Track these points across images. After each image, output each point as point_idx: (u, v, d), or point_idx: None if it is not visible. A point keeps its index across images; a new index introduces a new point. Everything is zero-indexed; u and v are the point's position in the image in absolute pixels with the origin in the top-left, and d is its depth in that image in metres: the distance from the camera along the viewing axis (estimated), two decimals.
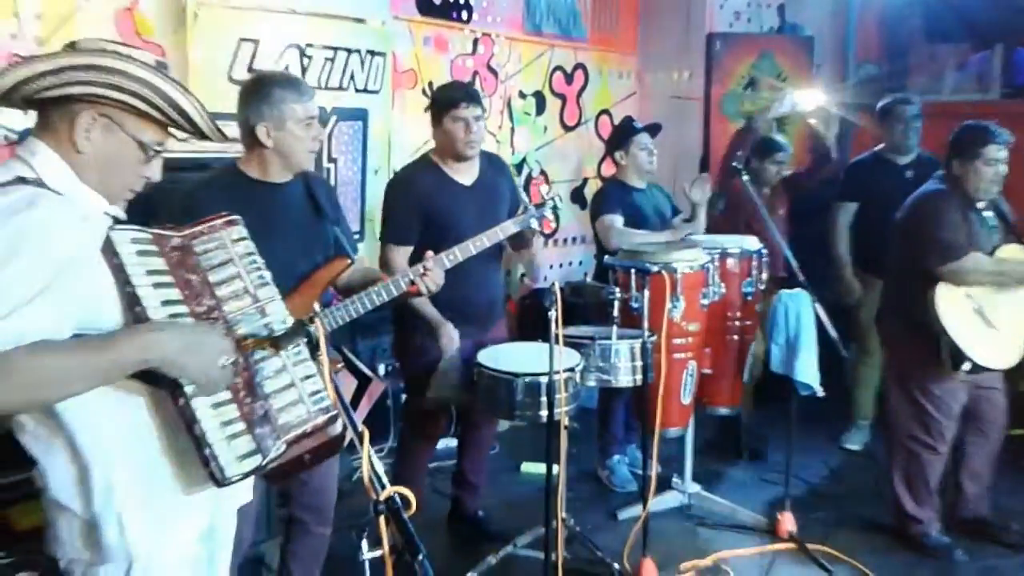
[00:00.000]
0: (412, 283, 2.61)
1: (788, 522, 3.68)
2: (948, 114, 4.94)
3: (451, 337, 3.27)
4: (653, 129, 4.26)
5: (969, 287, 3.43)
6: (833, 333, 3.63)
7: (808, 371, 3.57)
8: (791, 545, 3.62)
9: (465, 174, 3.42)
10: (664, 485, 4.03)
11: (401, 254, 3.29)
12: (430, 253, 2.71)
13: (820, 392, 3.61)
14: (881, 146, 4.65)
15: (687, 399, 3.65)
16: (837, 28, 6.74)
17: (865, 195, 4.59)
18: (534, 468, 4.42)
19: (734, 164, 4.12)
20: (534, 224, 3.14)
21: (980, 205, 3.51)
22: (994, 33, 6.03)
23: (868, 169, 4.65)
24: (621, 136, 4.24)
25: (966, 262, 3.39)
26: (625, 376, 3.34)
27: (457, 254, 2.86)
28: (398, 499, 1.55)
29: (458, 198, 3.36)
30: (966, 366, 3.38)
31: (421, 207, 3.30)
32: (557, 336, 2.82)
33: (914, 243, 3.50)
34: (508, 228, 3.08)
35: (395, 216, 3.37)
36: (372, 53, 4.37)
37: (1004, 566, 3.56)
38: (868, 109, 4.86)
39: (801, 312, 3.58)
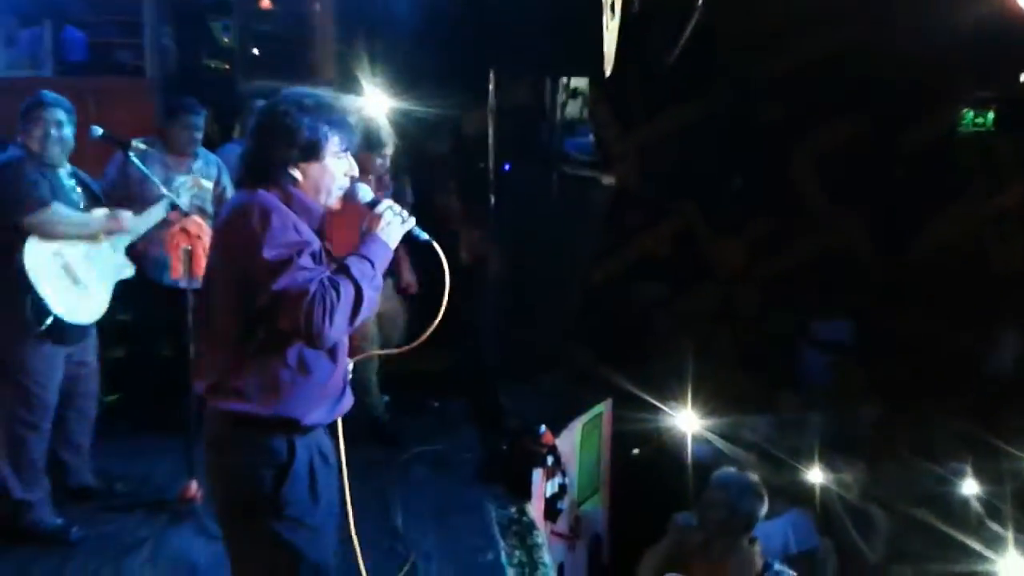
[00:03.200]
0: None
1: None
2: (5, 90, 4.88)
3: None
4: None
5: (60, 244, 3.49)
6: None
7: None
8: None
9: None
10: None
11: None
12: None
13: None
14: None
15: None
16: None
17: None
18: None
19: None
20: None
21: (62, 173, 3.62)
22: (42, 10, 6.08)
23: None
24: None
25: (51, 212, 3.46)
26: None
27: None
28: None
29: None
30: (48, 321, 3.45)
31: None
32: None
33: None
34: None
35: None
36: None
37: (125, 529, 3.74)
38: None
39: None
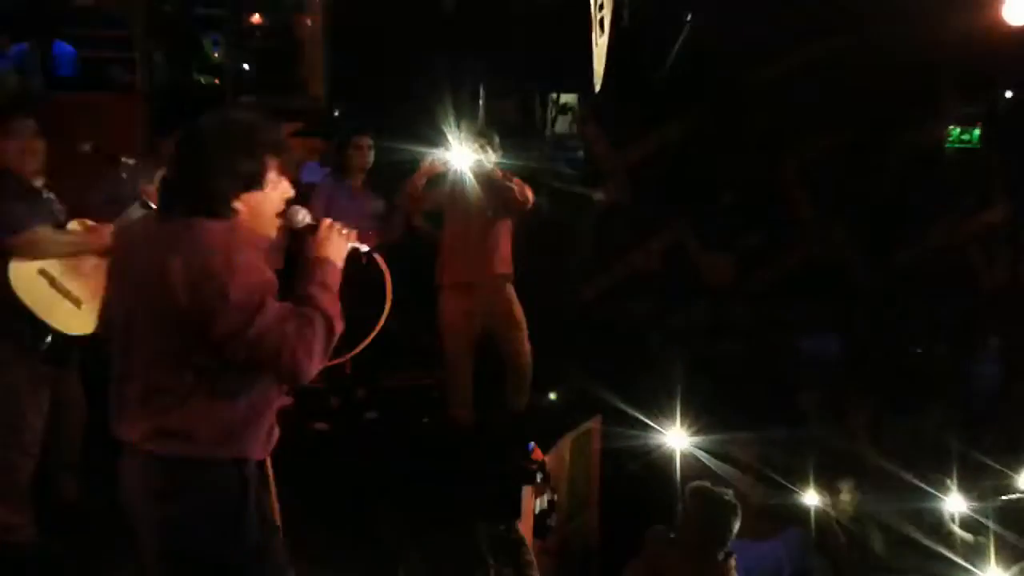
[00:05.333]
0: None
1: None
2: None
3: None
4: None
5: (43, 263, 3.46)
6: None
7: None
8: None
9: None
10: None
11: None
12: None
13: None
14: None
15: None
16: None
17: None
18: None
19: None
20: None
21: (39, 185, 3.56)
22: (32, 25, 6.10)
23: None
24: None
25: (32, 234, 3.41)
26: None
27: None
28: None
29: None
30: (48, 339, 3.43)
31: None
32: None
33: None
34: None
35: None
36: None
37: (110, 547, 3.67)
38: None
39: None
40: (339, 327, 2.12)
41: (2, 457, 3.49)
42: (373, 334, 2.42)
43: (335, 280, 2.20)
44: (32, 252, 3.43)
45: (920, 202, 8.04)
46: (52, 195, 3.62)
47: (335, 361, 2.33)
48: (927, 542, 4.53)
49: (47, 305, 3.44)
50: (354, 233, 2.31)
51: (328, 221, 2.27)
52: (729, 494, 3.76)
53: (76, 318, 3.54)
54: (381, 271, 2.39)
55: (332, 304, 2.13)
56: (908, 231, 8.13)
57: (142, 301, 2.09)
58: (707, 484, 3.87)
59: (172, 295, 1.99)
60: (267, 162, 2.13)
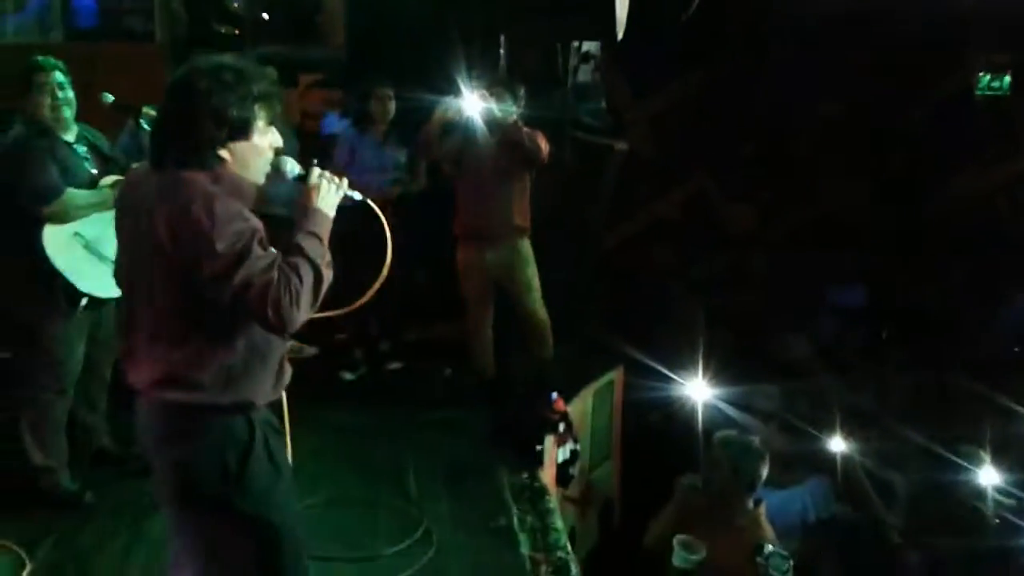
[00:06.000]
0: None
1: None
2: (12, 57, 4.82)
3: None
4: None
5: (75, 225, 3.48)
6: None
7: None
8: None
9: None
10: None
11: None
12: None
13: None
14: None
15: None
16: None
17: None
18: None
19: None
20: None
21: (68, 138, 3.57)
22: None
23: None
24: None
25: (64, 201, 3.43)
26: None
27: None
28: None
29: None
30: (84, 302, 3.47)
31: None
32: None
33: (10, 191, 3.40)
34: None
35: None
36: None
37: (142, 492, 3.75)
38: None
39: None
40: (328, 276, 2.11)
41: (37, 398, 3.57)
42: (376, 286, 2.40)
43: (325, 230, 2.19)
44: (66, 217, 3.45)
45: (947, 150, 7.90)
46: (84, 147, 3.63)
47: (328, 313, 2.33)
48: (951, 495, 4.52)
49: (82, 268, 3.47)
50: (346, 182, 2.29)
51: (318, 170, 2.25)
52: (756, 441, 3.78)
53: (110, 280, 3.57)
54: (379, 220, 2.37)
55: (319, 255, 2.11)
56: (935, 180, 8.00)
57: (138, 251, 2.14)
58: (734, 432, 3.89)
59: (160, 245, 2.02)
60: (256, 111, 2.11)
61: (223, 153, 2.09)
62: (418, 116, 4.88)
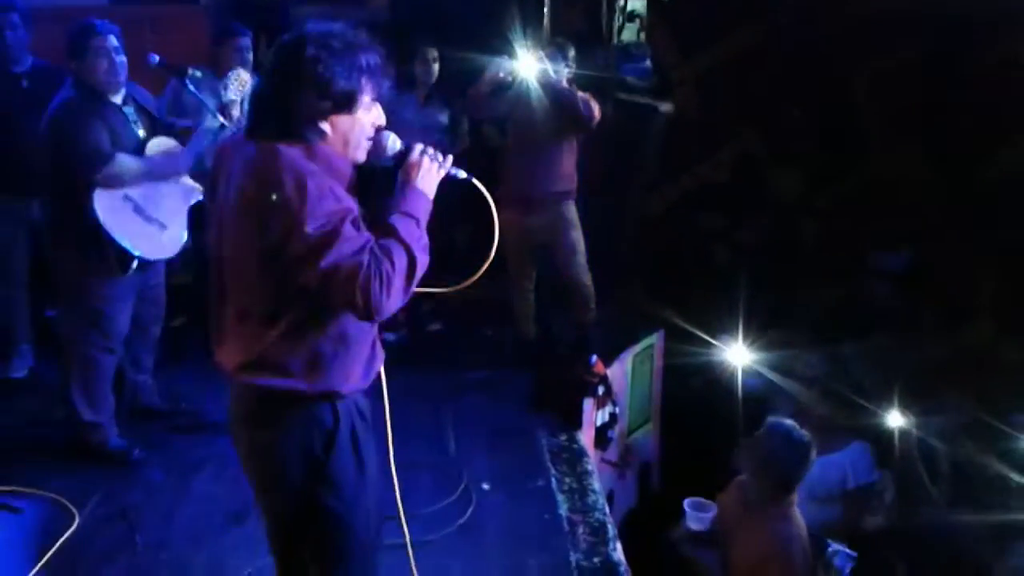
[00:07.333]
0: None
1: None
2: (59, 19, 4.83)
3: None
4: None
5: (127, 189, 3.51)
6: None
7: None
8: None
9: None
10: None
11: None
12: None
13: None
14: None
15: None
16: None
17: None
18: None
19: None
20: None
21: (116, 100, 3.60)
22: None
23: None
24: None
25: (114, 166, 3.47)
26: None
27: None
28: None
29: None
30: (135, 264, 3.54)
31: None
32: None
33: (62, 156, 3.46)
34: None
35: None
36: None
37: (189, 448, 3.89)
38: None
39: None
40: (423, 261, 1.99)
41: (86, 354, 3.66)
42: (483, 268, 2.29)
43: (423, 211, 2.07)
44: (115, 183, 3.50)
45: (1001, 117, 7.65)
46: (132, 108, 3.67)
47: (432, 290, 2.26)
48: (997, 467, 4.44)
49: (132, 231, 3.52)
50: (450, 160, 2.17)
51: (420, 147, 2.13)
52: (807, 436, 3.57)
53: (159, 242, 3.63)
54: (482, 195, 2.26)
55: (415, 238, 1.99)
56: (987, 148, 7.76)
57: (228, 225, 2.06)
58: (785, 422, 3.67)
59: (249, 221, 1.95)
60: (363, 83, 2.00)
61: (323, 126, 1.98)
62: (461, 77, 4.85)
